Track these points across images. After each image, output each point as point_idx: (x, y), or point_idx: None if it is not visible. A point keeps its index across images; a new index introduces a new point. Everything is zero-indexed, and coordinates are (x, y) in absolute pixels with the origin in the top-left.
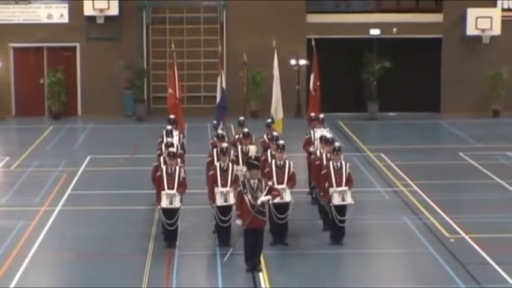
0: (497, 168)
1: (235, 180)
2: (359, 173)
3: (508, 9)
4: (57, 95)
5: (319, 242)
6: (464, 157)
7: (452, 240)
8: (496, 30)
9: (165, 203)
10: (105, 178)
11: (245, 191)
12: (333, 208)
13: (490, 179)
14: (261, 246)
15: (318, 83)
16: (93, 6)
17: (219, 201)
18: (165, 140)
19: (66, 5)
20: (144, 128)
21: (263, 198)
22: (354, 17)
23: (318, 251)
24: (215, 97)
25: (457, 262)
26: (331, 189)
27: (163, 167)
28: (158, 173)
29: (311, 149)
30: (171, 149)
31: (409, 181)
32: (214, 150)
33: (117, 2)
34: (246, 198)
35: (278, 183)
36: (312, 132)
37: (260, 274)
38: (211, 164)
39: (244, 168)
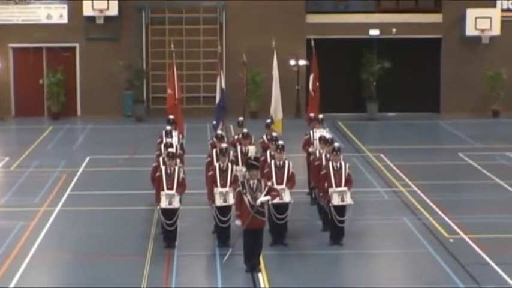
0: (497, 169)
1: (234, 180)
2: (358, 174)
3: (508, 10)
4: (57, 96)
5: (319, 242)
6: (463, 157)
7: (451, 240)
8: (496, 31)
9: (164, 204)
10: (104, 178)
11: (244, 191)
12: (332, 208)
13: (489, 180)
14: (261, 247)
15: (318, 84)
16: (93, 6)
17: (219, 202)
18: (164, 141)
19: (66, 6)
20: (144, 129)
21: (262, 198)
22: (354, 17)
23: (317, 252)
24: (214, 97)
25: (457, 262)
26: (330, 190)
27: (163, 168)
28: (157, 174)
29: (310, 149)
30: (170, 150)
31: (408, 181)
32: (214, 150)
33: (116, 2)
34: (246, 199)
35: (277, 184)
36: (311, 132)
37: (259, 274)
38: (210, 164)
39: (244, 169)
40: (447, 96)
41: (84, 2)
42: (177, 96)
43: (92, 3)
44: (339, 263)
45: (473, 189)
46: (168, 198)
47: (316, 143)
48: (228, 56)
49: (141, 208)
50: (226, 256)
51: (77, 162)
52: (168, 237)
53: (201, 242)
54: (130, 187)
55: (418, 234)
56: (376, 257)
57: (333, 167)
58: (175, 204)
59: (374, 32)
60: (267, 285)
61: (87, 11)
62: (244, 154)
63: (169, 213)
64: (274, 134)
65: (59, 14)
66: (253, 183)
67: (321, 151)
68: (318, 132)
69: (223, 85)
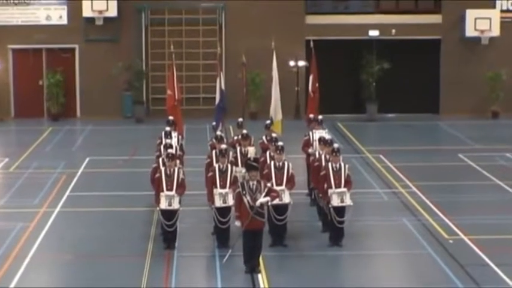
0: (496, 170)
1: (234, 181)
2: (358, 175)
3: (507, 11)
4: (56, 97)
5: (318, 243)
6: (463, 158)
7: (451, 241)
8: (495, 32)
9: (164, 205)
10: (104, 179)
11: (244, 192)
12: (331, 209)
13: (489, 180)
14: (260, 248)
15: (317, 85)
16: (92, 7)
17: (218, 203)
18: (164, 142)
19: (65, 7)
20: (143, 130)
21: (262, 199)
22: (353, 18)
23: (317, 253)
24: (214, 98)
25: (456, 263)
26: (330, 191)
27: (162, 169)
28: (157, 175)
29: (310, 150)
30: (170, 151)
31: (408, 182)
32: (213, 151)
33: (116, 3)
34: (245, 200)
35: (277, 185)
36: (310, 133)
37: (259, 275)
38: (210, 165)
39: (243, 170)
40: (447, 97)
41: (83, 3)
42: (176, 97)
43: (92, 4)
44: (338, 264)
45: (472, 190)
46: (168, 199)
47: (316, 144)
48: (228, 57)
49: (140, 209)
50: (226, 257)
51: (76, 163)
52: (168, 238)
53: (200, 243)
54: (130, 188)
55: (418, 235)
56: (375, 258)
57: (333, 168)
58: (175, 205)
59: (373, 33)
60: (266, 286)
61: (87, 12)
62: (244, 155)
63: (169, 214)
64: (273, 135)
65: (58, 15)
66: (253, 184)
67: (321, 152)
68: (318, 133)
69: (222, 86)
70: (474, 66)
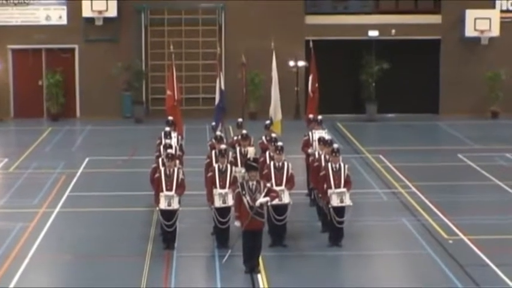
0: (496, 170)
1: (233, 181)
2: (357, 175)
3: (507, 11)
4: (56, 97)
5: (318, 243)
6: (462, 158)
7: (450, 241)
8: (495, 32)
9: (163, 205)
10: (103, 180)
11: (244, 192)
12: (331, 210)
13: (488, 181)
14: (260, 248)
15: (317, 85)
16: (92, 7)
17: (218, 203)
18: (163, 142)
19: (65, 7)
20: (143, 130)
21: (261, 199)
22: (352, 18)
23: (316, 253)
24: (214, 99)
25: (456, 263)
26: (329, 191)
27: (162, 169)
28: (157, 175)
29: (309, 150)
30: (169, 151)
31: (407, 182)
32: (213, 151)
33: (115, 3)
34: (245, 200)
35: (277, 185)
36: (310, 133)
37: (259, 275)
38: (209, 165)
39: (243, 170)
40: (446, 97)
41: (83, 3)
42: (176, 97)
43: (91, 4)
44: (338, 264)
45: (472, 190)
46: (167, 200)
47: (316, 144)
48: (227, 57)
49: (140, 209)
50: (226, 257)
51: (76, 164)
52: (167, 238)
53: (200, 243)
54: (130, 188)
55: (417, 236)
56: (375, 258)
57: (332, 168)
58: (175, 205)
59: (373, 33)
60: (266, 286)
61: (86, 12)
62: (244, 155)
63: (169, 215)
64: (273, 135)
65: (58, 15)
66: (253, 185)
67: (320, 152)
68: (317, 134)
69: (222, 86)
70: (474, 66)
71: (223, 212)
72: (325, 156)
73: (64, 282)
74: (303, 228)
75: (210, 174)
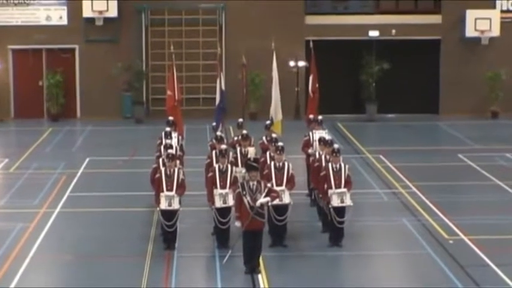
0: (496, 170)
1: (234, 182)
2: (358, 175)
3: (507, 11)
4: (56, 97)
5: (318, 243)
6: (463, 158)
7: (451, 241)
8: (495, 32)
9: (164, 205)
10: (103, 180)
11: (244, 192)
12: (331, 210)
13: (488, 181)
14: (260, 248)
15: (317, 85)
16: (92, 8)
17: (218, 203)
18: (164, 142)
19: (65, 7)
20: (143, 130)
21: (262, 200)
22: (353, 18)
23: (317, 253)
24: (214, 99)
25: (456, 264)
26: (330, 191)
27: (162, 169)
28: (157, 175)
29: (310, 150)
30: (170, 151)
31: (407, 183)
32: (213, 152)
33: (116, 3)
34: (245, 200)
35: (277, 185)
36: (310, 134)
37: (259, 276)
38: (210, 165)
39: (243, 170)
40: (446, 98)
41: (83, 3)
42: (176, 97)
43: (92, 4)
44: (338, 264)
45: (472, 190)
46: (168, 200)
47: (316, 144)
48: (228, 57)
49: (140, 209)
50: (226, 257)
51: (76, 164)
52: (168, 238)
53: (200, 243)
54: (130, 189)
55: (418, 236)
56: (375, 258)
57: (333, 169)
58: (175, 205)
59: (373, 33)
60: (266, 287)
61: (87, 12)
62: (244, 155)
63: (169, 215)
64: (273, 135)
65: (58, 16)
66: (253, 185)
67: (321, 152)
68: (318, 134)
69: (222, 86)
70: (474, 66)
71: (224, 212)
72: (325, 157)
73: (64, 282)
74: (303, 229)
75: (210, 174)
